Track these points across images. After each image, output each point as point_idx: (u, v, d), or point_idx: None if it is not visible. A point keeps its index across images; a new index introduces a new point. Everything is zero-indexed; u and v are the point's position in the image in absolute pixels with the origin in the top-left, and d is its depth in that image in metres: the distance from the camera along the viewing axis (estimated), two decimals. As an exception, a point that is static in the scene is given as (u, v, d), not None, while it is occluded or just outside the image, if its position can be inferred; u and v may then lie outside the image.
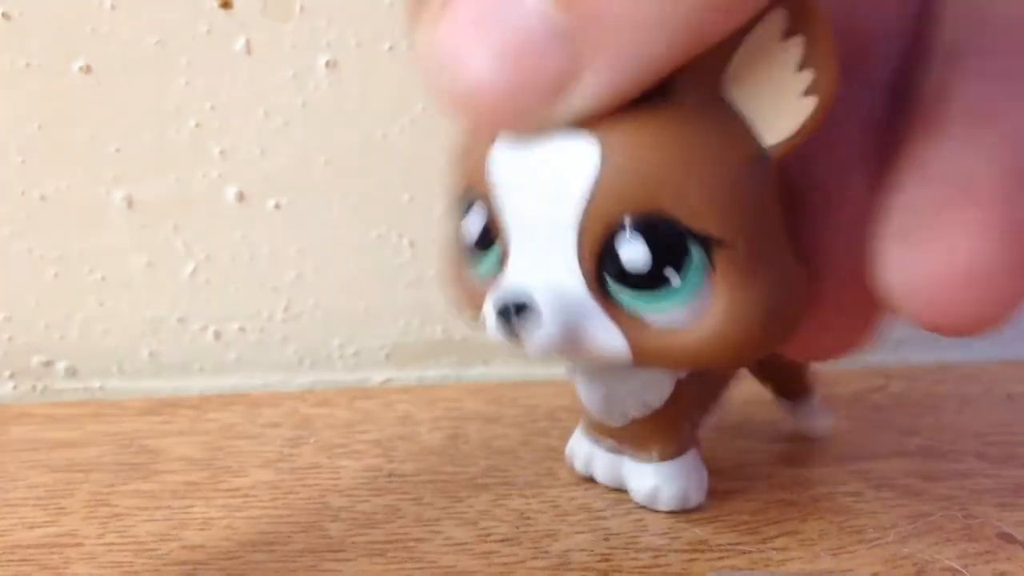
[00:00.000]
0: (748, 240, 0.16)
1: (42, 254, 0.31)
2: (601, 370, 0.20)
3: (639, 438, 0.22)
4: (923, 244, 0.15)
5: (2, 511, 0.22)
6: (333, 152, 0.31)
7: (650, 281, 0.16)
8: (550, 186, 0.16)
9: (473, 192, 0.17)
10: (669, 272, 0.16)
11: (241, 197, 0.31)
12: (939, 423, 0.29)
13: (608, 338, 0.17)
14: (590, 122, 0.16)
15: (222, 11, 0.30)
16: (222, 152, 0.31)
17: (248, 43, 0.30)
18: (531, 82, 0.14)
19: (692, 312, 0.17)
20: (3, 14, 0.29)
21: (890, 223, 0.15)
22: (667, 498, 0.22)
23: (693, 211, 0.16)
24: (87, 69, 0.30)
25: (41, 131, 0.30)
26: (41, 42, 0.29)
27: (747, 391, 0.25)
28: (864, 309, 0.17)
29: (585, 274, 0.17)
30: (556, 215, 0.16)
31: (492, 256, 0.18)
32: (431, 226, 0.32)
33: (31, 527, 0.21)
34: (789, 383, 0.26)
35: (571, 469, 0.24)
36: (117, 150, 0.30)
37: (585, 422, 0.24)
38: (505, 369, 0.34)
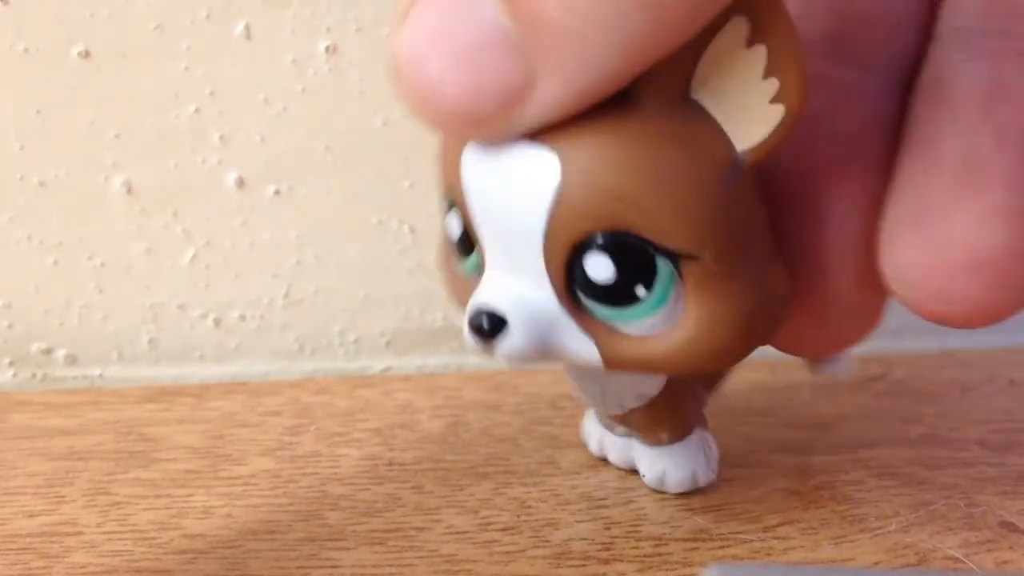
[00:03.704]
0: (717, 252, 0.16)
1: (41, 241, 0.31)
2: (592, 370, 0.20)
3: (645, 423, 0.22)
4: (930, 227, 0.14)
5: (1, 499, 0.22)
6: (333, 138, 0.31)
7: (619, 295, 0.16)
8: (514, 198, 0.16)
9: (451, 194, 0.17)
10: (637, 287, 0.16)
11: (241, 183, 0.31)
12: (941, 411, 0.28)
13: (580, 347, 0.17)
14: (552, 132, 0.15)
15: (221, -4, 0.30)
16: (222, 138, 0.31)
17: (248, 28, 0.30)
18: (485, 90, 0.14)
19: (664, 322, 0.16)
20: (0, -1, 0.29)
21: (896, 207, 0.15)
22: (675, 481, 0.22)
23: (658, 226, 0.15)
24: (86, 54, 0.29)
25: (40, 117, 0.30)
26: (39, 27, 0.29)
27: (748, 378, 0.25)
28: (861, 305, 0.17)
29: (555, 286, 0.16)
30: (522, 228, 0.16)
31: (473, 258, 0.18)
32: (432, 212, 0.32)
33: (31, 515, 0.21)
34: None
35: (573, 456, 0.24)
36: (116, 136, 0.30)
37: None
38: (506, 356, 0.34)
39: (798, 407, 0.26)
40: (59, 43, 0.29)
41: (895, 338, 0.34)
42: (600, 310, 0.16)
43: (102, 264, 0.31)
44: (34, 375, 0.32)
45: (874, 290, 0.16)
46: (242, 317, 0.32)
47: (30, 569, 0.19)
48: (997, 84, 0.15)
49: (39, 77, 0.29)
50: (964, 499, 0.22)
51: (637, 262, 0.16)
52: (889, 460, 0.25)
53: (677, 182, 0.15)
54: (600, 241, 0.16)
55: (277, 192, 0.31)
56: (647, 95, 0.15)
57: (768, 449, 0.25)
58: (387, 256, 0.33)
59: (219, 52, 0.30)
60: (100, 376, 0.32)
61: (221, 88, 0.30)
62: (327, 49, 0.31)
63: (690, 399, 0.22)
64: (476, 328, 0.17)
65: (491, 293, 0.17)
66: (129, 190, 0.31)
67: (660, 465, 0.22)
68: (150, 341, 0.32)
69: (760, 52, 0.15)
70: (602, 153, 0.15)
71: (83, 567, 0.19)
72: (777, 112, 0.15)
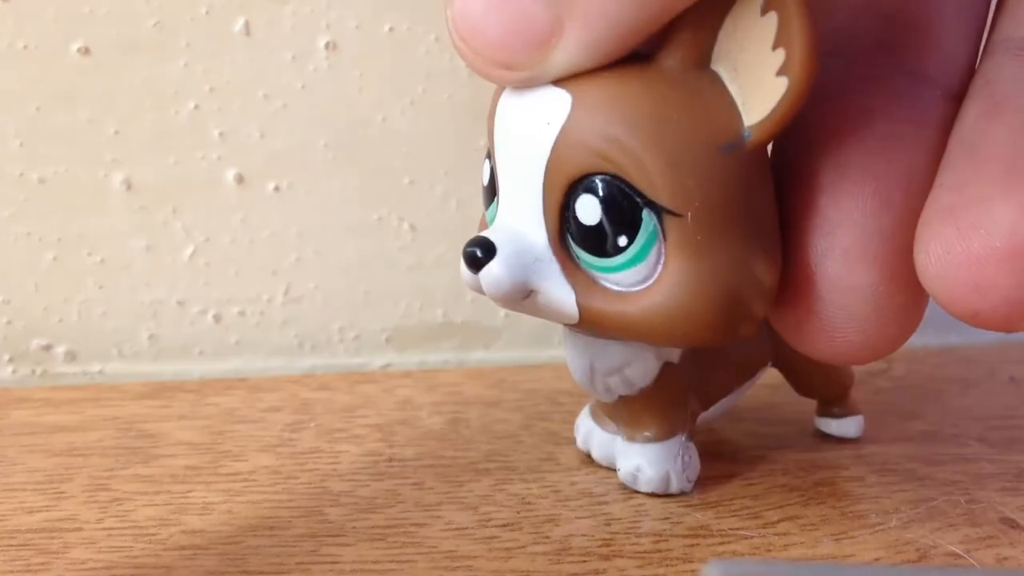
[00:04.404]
0: (701, 218, 0.16)
1: (41, 237, 0.31)
2: (585, 341, 0.20)
3: (631, 418, 0.22)
4: (968, 215, 0.14)
5: (1, 495, 0.22)
6: (333, 135, 0.31)
7: (602, 242, 0.17)
8: (525, 138, 0.17)
9: (488, 143, 0.18)
10: (620, 236, 0.17)
11: (240, 180, 0.31)
12: (942, 407, 0.28)
13: (560, 293, 0.17)
14: (572, 79, 0.16)
15: (221, -8, 0.30)
16: (221, 134, 0.31)
17: (247, 25, 0.30)
18: (517, 31, 0.16)
19: (643, 279, 0.17)
20: (0, -5, 0.29)
21: (936, 200, 0.15)
22: (646, 479, 0.22)
23: (648, 179, 0.16)
24: (85, 51, 0.29)
25: (39, 113, 0.30)
26: (39, 24, 0.29)
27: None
28: (892, 302, 0.17)
29: (548, 227, 0.17)
30: (527, 166, 0.17)
31: (495, 206, 0.18)
32: (432, 209, 0.32)
33: (30, 511, 0.21)
34: (830, 397, 0.26)
35: (572, 452, 0.24)
36: (116, 132, 0.30)
37: (591, 403, 0.24)
38: (506, 353, 0.34)
39: (798, 403, 0.26)
40: (58, 40, 0.29)
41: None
42: (585, 257, 0.17)
43: (102, 260, 0.31)
44: (34, 371, 0.32)
45: (906, 289, 0.16)
46: (242, 313, 0.32)
47: (30, 565, 0.19)
48: None
49: (38, 74, 0.29)
50: (965, 495, 0.22)
51: (623, 210, 0.16)
52: (890, 456, 0.25)
53: (675, 141, 0.16)
54: (593, 183, 0.16)
55: (277, 189, 0.31)
56: (667, 59, 0.16)
57: (768, 445, 0.25)
58: (387, 253, 0.33)
59: (219, 49, 0.30)
60: (100, 372, 0.32)
61: (220, 85, 0.30)
62: (326, 46, 0.31)
63: (680, 407, 0.22)
64: (469, 257, 0.17)
65: (491, 230, 0.18)
66: (129, 187, 0.31)
67: (635, 461, 0.22)
68: (150, 337, 0.32)
69: (772, 20, 0.15)
70: (611, 99, 0.16)
71: (83, 563, 0.19)
72: (781, 85, 0.15)
